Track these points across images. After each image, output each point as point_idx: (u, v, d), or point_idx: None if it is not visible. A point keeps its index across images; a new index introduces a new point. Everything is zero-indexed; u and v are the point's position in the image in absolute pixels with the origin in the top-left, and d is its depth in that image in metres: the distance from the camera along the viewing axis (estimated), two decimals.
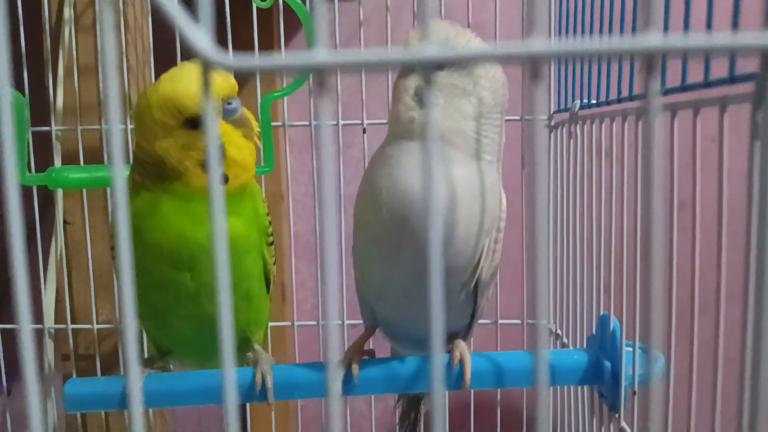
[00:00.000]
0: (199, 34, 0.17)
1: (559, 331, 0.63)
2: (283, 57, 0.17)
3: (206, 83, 0.18)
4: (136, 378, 0.22)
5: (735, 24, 0.29)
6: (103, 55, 0.20)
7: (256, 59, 0.17)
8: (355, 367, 0.48)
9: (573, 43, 0.16)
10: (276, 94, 0.58)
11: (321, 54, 0.17)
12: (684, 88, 0.34)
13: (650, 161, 0.17)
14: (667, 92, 0.39)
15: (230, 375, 0.21)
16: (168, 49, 0.66)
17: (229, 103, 0.45)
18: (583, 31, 0.54)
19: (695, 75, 0.34)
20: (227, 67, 0.17)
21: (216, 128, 0.18)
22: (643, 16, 0.16)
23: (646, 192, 0.17)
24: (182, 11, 0.18)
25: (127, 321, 0.22)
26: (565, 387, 0.57)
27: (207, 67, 0.18)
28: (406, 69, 0.45)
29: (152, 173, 0.44)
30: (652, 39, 0.16)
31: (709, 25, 0.33)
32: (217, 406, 0.74)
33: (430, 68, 0.17)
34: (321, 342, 0.71)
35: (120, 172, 0.20)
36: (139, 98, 0.45)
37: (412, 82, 0.44)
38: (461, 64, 0.43)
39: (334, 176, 0.18)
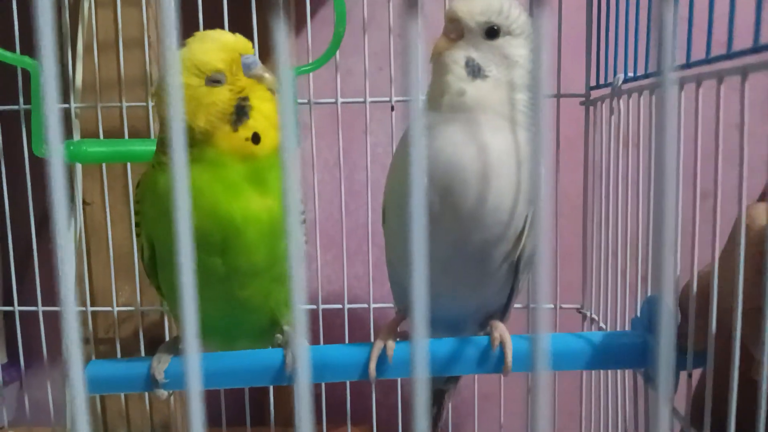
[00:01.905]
0: None
1: (594, 316, 0.61)
2: None
3: (282, 35, 0.16)
4: (195, 360, 0.20)
5: None
6: (164, 29, 0.18)
7: None
8: (390, 347, 0.46)
9: None
10: (303, 68, 0.56)
11: None
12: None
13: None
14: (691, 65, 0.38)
15: (304, 356, 0.19)
16: (189, 25, 0.64)
17: (246, 57, 0.44)
18: None
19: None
20: None
21: (289, 71, 0.16)
22: None
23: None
24: None
25: (186, 305, 0.20)
26: (603, 371, 0.55)
27: None
28: (450, 40, 0.44)
29: None
30: None
31: None
32: (234, 394, 0.72)
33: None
34: (347, 325, 0.69)
35: (180, 156, 0.18)
36: (160, 74, 0.44)
37: (462, 52, 0.43)
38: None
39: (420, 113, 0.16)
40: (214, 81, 0.42)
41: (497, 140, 0.42)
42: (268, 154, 0.43)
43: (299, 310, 0.18)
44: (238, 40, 0.44)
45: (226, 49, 0.43)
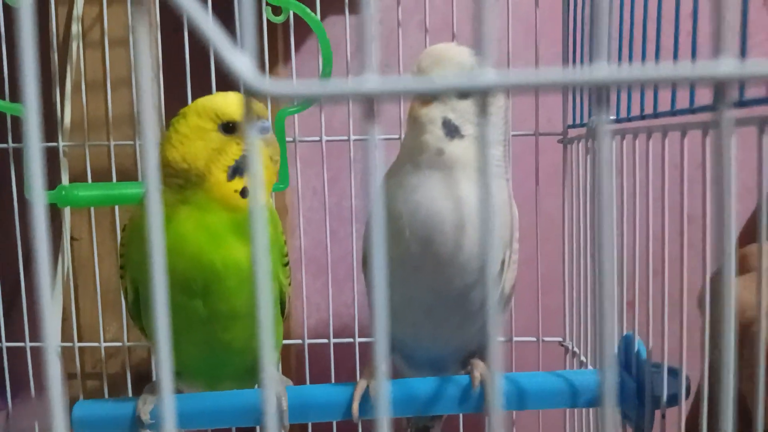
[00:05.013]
0: (241, 59, 0.17)
1: (576, 349, 0.62)
2: (332, 84, 0.16)
3: (248, 110, 0.17)
4: (170, 405, 0.21)
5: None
6: (138, 72, 0.19)
7: (304, 86, 0.16)
8: (373, 387, 0.47)
9: (638, 69, 0.15)
10: (291, 110, 0.57)
11: (372, 81, 0.16)
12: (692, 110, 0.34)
13: (722, 175, 0.16)
14: (679, 112, 0.39)
15: (271, 397, 0.20)
16: (177, 63, 0.65)
17: (263, 122, 0.47)
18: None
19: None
20: (273, 94, 0.16)
21: (258, 153, 0.17)
22: (715, 41, 0.15)
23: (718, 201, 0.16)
24: (223, 35, 0.17)
25: (161, 346, 0.21)
26: (585, 409, 0.56)
27: (250, 93, 0.17)
28: (427, 97, 0.45)
29: (172, 186, 0.44)
30: (726, 66, 0.15)
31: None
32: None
33: (485, 95, 0.16)
34: (333, 360, 0.70)
35: (155, 196, 0.19)
36: (173, 118, 0.46)
37: (438, 112, 0.44)
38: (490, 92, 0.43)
39: (381, 209, 0.17)
40: (226, 130, 0.45)
41: (473, 192, 0.43)
42: None
43: (268, 361, 0.19)
44: (259, 103, 0.47)
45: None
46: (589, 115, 0.55)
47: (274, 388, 0.47)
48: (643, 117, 0.44)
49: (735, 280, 0.37)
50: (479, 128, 0.42)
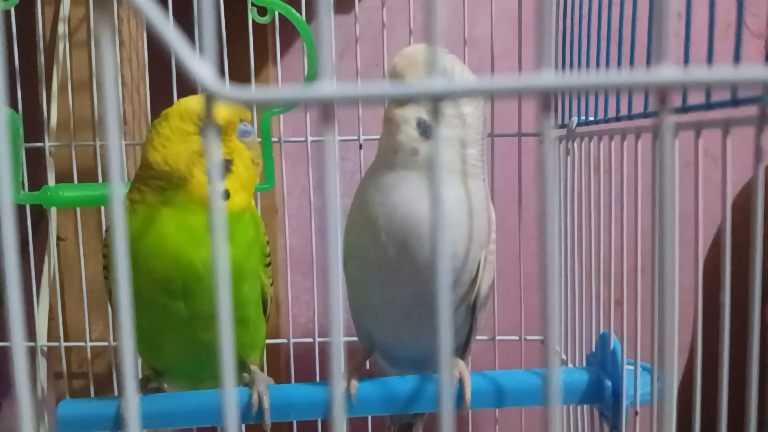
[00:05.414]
0: (201, 65, 0.17)
1: (557, 347, 0.62)
2: (289, 90, 0.17)
3: (209, 115, 0.18)
4: (133, 402, 0.21)
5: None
6: (101, 72, 0.19)
7: (263, 92, 0.17)
8: (353, 386, 0.47)
9: (584, 76, 0.16)
10: (274, 111, 0.58)
11: (327, 87, 0.16)
12: (685, 109, 0.35)
13: (664, 176, 0.17)
14: (652, 115, 0.40)
15: (231, 397, 0.21)
16: (163, 65, 0.65)
17: (244, 125, 0.47)
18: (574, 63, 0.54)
19: (698, 97, 0.34)
20: (232, 99, 0.17)
21: (218, 153, 0.17)
22: (656, 49, 0.16)
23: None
24: (183, 41, 0.17)
25: (125, 345, 0.21)
26: (564, 406, 0.57)
27: (210, 98, 0.17)
28: (398, 102, 0.45)
29: (155, 187, 0.44)
30: (666, 72, 0.15)
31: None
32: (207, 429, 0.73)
33: (436, 101, 0.17)
34: (318, 358, 0.70)
35: (118, 192, 0.20)
36: (156, 120, 0.47)
37: (413, 112, 0.45)
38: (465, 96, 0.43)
39: (338, 211, 0.17)
40: None
41: (449, 193, 0.44)
42: (233, 211, 0.45)
43: (227, 360, 0.20)
44: (241, 106, 0.47)
45: (230, 110, 0.46)
46: (569, 116, 0.55)
47: (256, 387, 0.48)
48: (618, 119, 0.45)
49: None
50: (437, 133, 0.43)
